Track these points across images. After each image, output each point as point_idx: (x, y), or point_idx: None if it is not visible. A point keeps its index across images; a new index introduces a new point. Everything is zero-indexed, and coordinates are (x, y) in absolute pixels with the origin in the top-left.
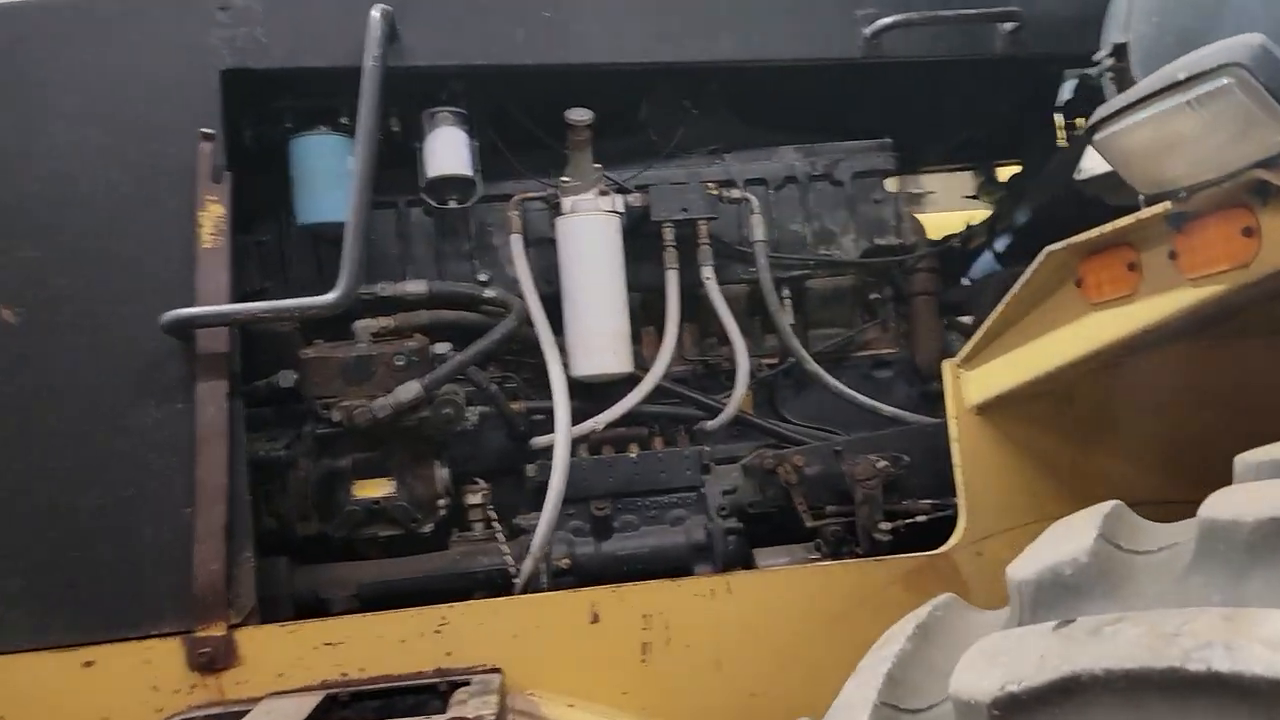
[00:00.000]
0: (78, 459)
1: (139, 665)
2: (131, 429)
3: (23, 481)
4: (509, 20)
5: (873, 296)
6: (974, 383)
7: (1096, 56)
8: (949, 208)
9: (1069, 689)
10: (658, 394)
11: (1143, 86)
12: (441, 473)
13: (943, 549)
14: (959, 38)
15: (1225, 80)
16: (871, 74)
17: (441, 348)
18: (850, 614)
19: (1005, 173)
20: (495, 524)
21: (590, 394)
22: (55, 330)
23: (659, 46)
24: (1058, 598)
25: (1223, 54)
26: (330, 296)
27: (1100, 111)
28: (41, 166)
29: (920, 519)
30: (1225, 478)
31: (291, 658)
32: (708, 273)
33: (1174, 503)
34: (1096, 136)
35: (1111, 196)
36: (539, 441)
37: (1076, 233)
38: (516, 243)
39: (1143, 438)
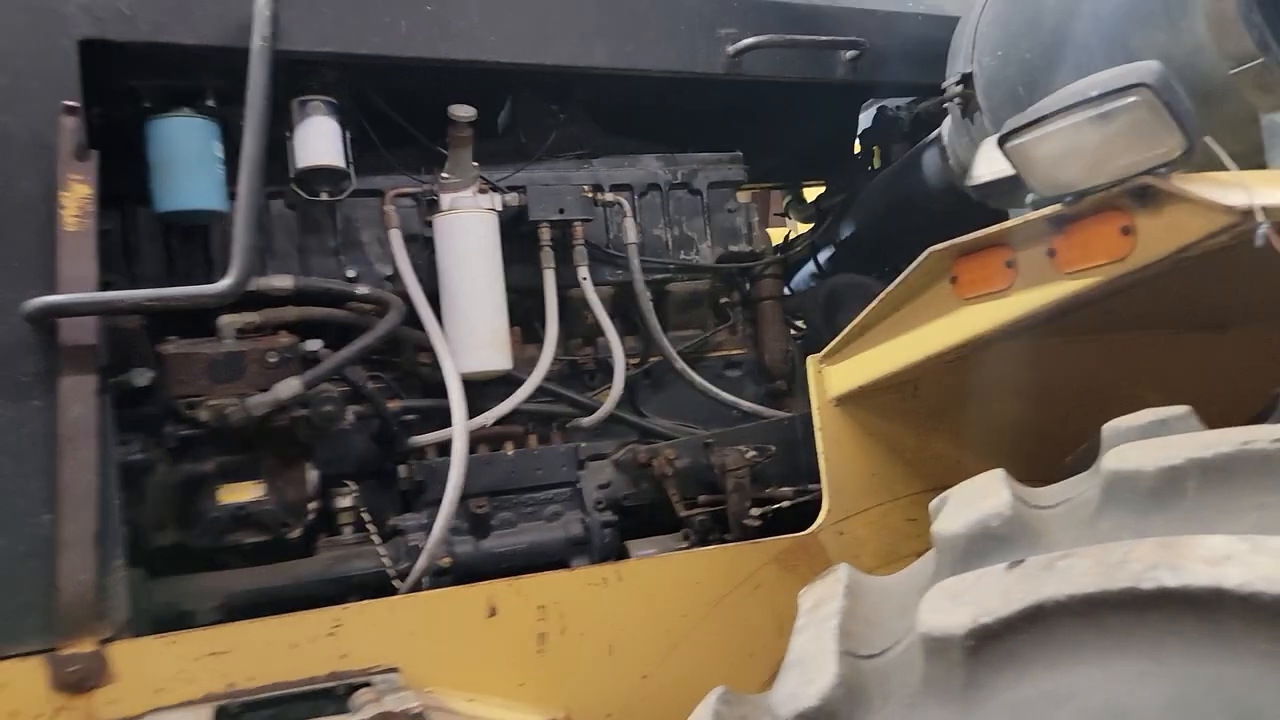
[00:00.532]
0: None
1: None
2: None
3: None
4: (392, 10)
5: (723, 300)
6: (835, 376)
7: (945, 84)
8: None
9: (1035, 616)
10: (533, 392)
11: (1053, 101)
12: (312, 475)
13: (810, 530)
14: (806, 61)
15: (1134, 98)
16: (722, 90)
17: (313, 345)
18: (731, 594)
19: (811, 193)
20: (370, 526)
21: (468, 391)
22: None
23: (539, 48)
24: (988, 548)
25: (1131, 75)
26: (222, 285)
27: (1012, 122)
28: None
29: (785, 504)
30: (1053, 465)
31: (171, 671)
32: (584, 273)
33: None
34: (1007, 144)
35: (998, 201)
36: (420, 440)
37: (908, 245)
38: (396, 238)
39: (981, 427)
